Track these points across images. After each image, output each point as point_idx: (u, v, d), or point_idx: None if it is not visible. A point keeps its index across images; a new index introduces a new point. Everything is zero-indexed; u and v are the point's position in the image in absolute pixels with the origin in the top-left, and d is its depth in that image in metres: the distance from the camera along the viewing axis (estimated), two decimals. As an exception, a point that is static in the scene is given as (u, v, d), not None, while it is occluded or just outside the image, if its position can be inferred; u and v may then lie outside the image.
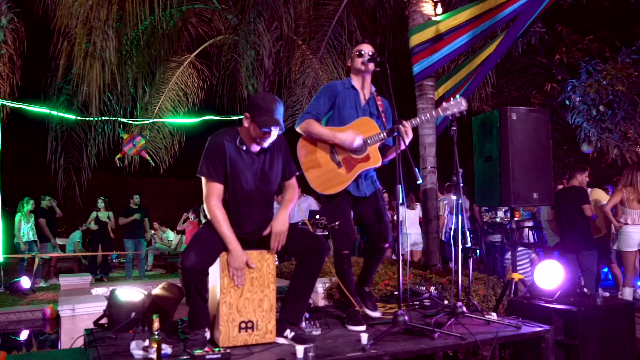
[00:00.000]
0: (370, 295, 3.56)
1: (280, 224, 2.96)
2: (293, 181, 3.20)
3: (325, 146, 3.39)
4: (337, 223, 3.39)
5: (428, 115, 3.54)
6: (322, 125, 3.43)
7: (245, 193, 2.96)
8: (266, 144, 2.94)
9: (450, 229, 8.34)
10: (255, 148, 2.99)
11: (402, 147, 3.20)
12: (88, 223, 10.85)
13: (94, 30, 6.26)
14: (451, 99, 3.50)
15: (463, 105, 3.48)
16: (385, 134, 3.34)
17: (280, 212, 3.01)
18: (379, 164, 3.40)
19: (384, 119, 3.47)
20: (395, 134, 3.23)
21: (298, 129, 3.44)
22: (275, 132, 2.89)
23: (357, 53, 3.46)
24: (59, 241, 11.24)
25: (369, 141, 3.37)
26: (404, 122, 3.31)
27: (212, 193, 2.90)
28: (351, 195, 3.42)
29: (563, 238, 6.17)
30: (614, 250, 6.87)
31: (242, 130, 2.98)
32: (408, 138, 3.30)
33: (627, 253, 5.99)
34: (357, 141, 3.31)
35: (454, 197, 3.74)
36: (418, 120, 3.47)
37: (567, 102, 9.25)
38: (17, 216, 9.71)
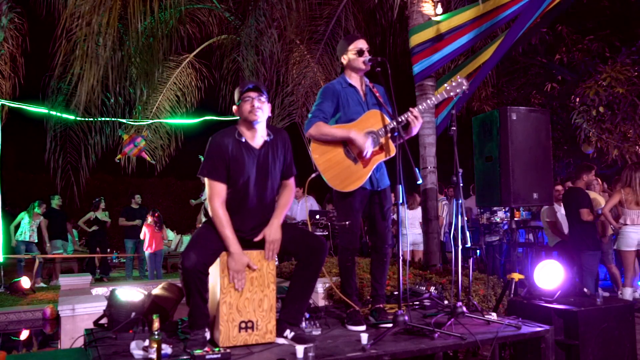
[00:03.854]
0: (383, 312, 3.48)
1: (274, 232, 2.96)
2: (291, 181, 3.18)
3: (338, 145, 3.37)
4: (347, 222, 3.38)
5: (434, 99, 3.55)
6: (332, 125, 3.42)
7: (246, 189, 2.95)
8: (259, 116, 2.92)
9: (450, 229, 8.36)
10: (256, 142, 2.99)
11: (414, 132, 3.42)
12: (81, 223, 10.87)
13: (96, 33, 6.25)
14: (452, 81, 3.51)
15: (465, 85, 3.49)
16: (395, 124, 3.30)
17: (273, 220, 3.00)
18: (394, 153, 3.38)
19: (386, 108, 3.46)
20: (396, 134, 3.24)
21: (308, 134, 3.40)
22: (260, 100, 2.93)
23: (357, 52, 3.45)
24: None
25: (380, 133, 3.36)
26: (413, 109, 3.34)
27: (216, 193, 2.90)
28: (366, 190, 3.41)
29: (570, 237, 6.17)
30: (612, 251, 6.87)
31: (239, 124, 3.02)
32: (418, 123, 3.37)
33: (627, 253, 5.99)
34: (368, 147, 3.28)
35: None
36: (425, 105, 3.48)
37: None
38: (22, 214, 9.74)
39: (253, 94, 2.94)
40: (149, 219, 9.53)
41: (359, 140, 3.28)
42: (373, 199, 3.49)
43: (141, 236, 9.65)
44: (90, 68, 6.33)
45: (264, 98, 2.97)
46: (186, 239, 12.68)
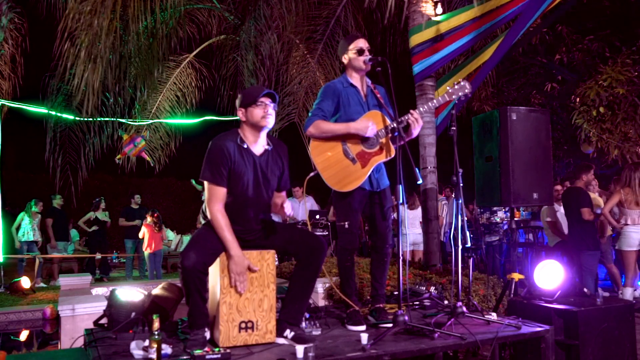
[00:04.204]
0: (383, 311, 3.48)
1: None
2: (283, 194, 3.19)
3: (337, 144, 3.37)
4: (346, 223, 3.38)
5: (435, 101, 3.53)
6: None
7: (246, 193, 2.96)
8: (269, 122, 2.93)
9: (450, 229, 8.37)
10: (257, 149, 2.99)
11: (414, 135, 3.37)
12: (81, 223, 10.88)
13: (97, 34, 6.25)
14: (454, 83, 3.50)
15: (467, 88, 3.47)
16: (395, 125, 3.29)
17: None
18: (393, 154, 3.37)
19: (387, 109, 3.44)
20: (397, 134, 3.24)
21: (308, 133, 3.40)
22: (272, 107, 2.94)
23: (357, 51, 3.44)
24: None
25: (379, 134, 3.36)
26: (413, 111, 3.33)
27: (215, 197, 2.88)
28: (365, 190, 3.41)
29: (569, 237, 6.18)
30: (612, 251, 6.87)
31: (241, 128, 3.01)
32: (418, 125, 3.35)
33: (628, 252, 5.99)
34: (372, 129, 3.27)
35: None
36: (426, 107, 3.48)
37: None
38: (21, 215, 9.75)
39: (267, 100, 2.94)
40: (148, 219, 9.52)
41: (359, 126, 3.27)
42: (373, 199, 3.48)
43: (140, 235, 9.63)
44: (94, 71, 6.34)
45: (274, 106, 2.98)
46: (186, 239, 12.68)
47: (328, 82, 3.82)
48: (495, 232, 8.52)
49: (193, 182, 11.09)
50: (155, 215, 9.56)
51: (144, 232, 9.51)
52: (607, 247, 6.91)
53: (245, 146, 2.96)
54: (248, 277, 2.87)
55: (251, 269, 2.86)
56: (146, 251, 9.48)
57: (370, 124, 3.27)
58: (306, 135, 3.45)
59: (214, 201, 2.88)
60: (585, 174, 6.03)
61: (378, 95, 3.50)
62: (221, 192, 2.90)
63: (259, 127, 2.94)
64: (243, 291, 2.84)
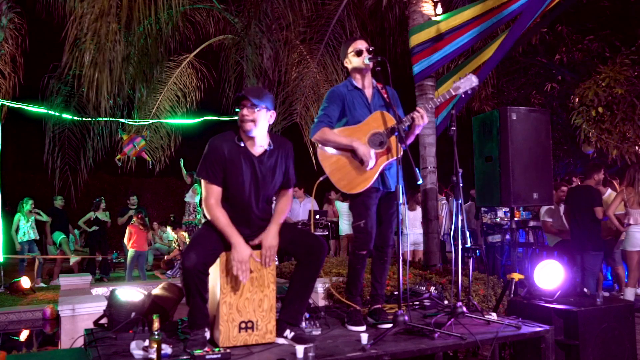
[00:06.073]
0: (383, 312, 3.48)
1: (270, 238, 2.93)
2: (290, 192, 3.18)
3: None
4: (361, 222, 3.37)
5: (441, 98, 3.50)
6: (338, 129, 3.44)
7: (245, 192, 2.95)
8: (247, 127, 2.88)
9: (450, 229, 8.36)
10: (256, 149, 2.99)
11: (418, 131, 3.40)
12: (81, 222, 10.88)
13: (101, 39, 6.27)
14: (460, 78, 3.48)
15: (474, 81, 3.45)
16: (397, 125, 3.28)
17: (271, 225, 2.97)
18: (401, 153, 3.37)
19: (393, 108, 3.42)
20: (396, 133, 3.23)
21: (314, 139, 3.42)
22: (252, 110, 2.87)
23: (356, 53, 3.44)
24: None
25: (384, 134, 3.35)
26: (419, 108, 3.33)
27: (211, 195, 2.92)
28: (379, 190, 3.41)
29: (572, 236, 6.17)
30: (617, 252, 6.85)
31: (239, 127, 3.00)
32: (423, 122, 3.35)
33: (631, 252, 6.00)
34: (371, 157, 3.28)
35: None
36: (431, 104, 3.48)
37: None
38: (17, 216, 9.76)
39: (245, 103, 2.91)
40: (134, 220, 9.49)
41: (360, 150, 3.28)
42: (383, 199, 3.49)
43: (125, 239, 9.56)
44: (103, 75, 6.37)
45: (257, 108, 2.89)
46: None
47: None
48: (498, 232, 8.50)
49: (181, 162, 10.94)
50: (139, 216, 9.52)
51: (130, 233, 9.41)
52: (616, 248, 6.89)
53: (242, 145, 2.95)
54: (248, 277, 2.87)
55: (253, 259, 2.85)
56: (132, 248, 9.38)
57: (370, 157, 3.26)
58: (311, 141, 3.47)
59: (210, 197, 2.91)
60: (597, 174, 6.06)
61: (385, 95, 3.47)
62: (216, 190, 2.93)
63: (244, 131, 2.94)
64: (245, 281, 2.82)
